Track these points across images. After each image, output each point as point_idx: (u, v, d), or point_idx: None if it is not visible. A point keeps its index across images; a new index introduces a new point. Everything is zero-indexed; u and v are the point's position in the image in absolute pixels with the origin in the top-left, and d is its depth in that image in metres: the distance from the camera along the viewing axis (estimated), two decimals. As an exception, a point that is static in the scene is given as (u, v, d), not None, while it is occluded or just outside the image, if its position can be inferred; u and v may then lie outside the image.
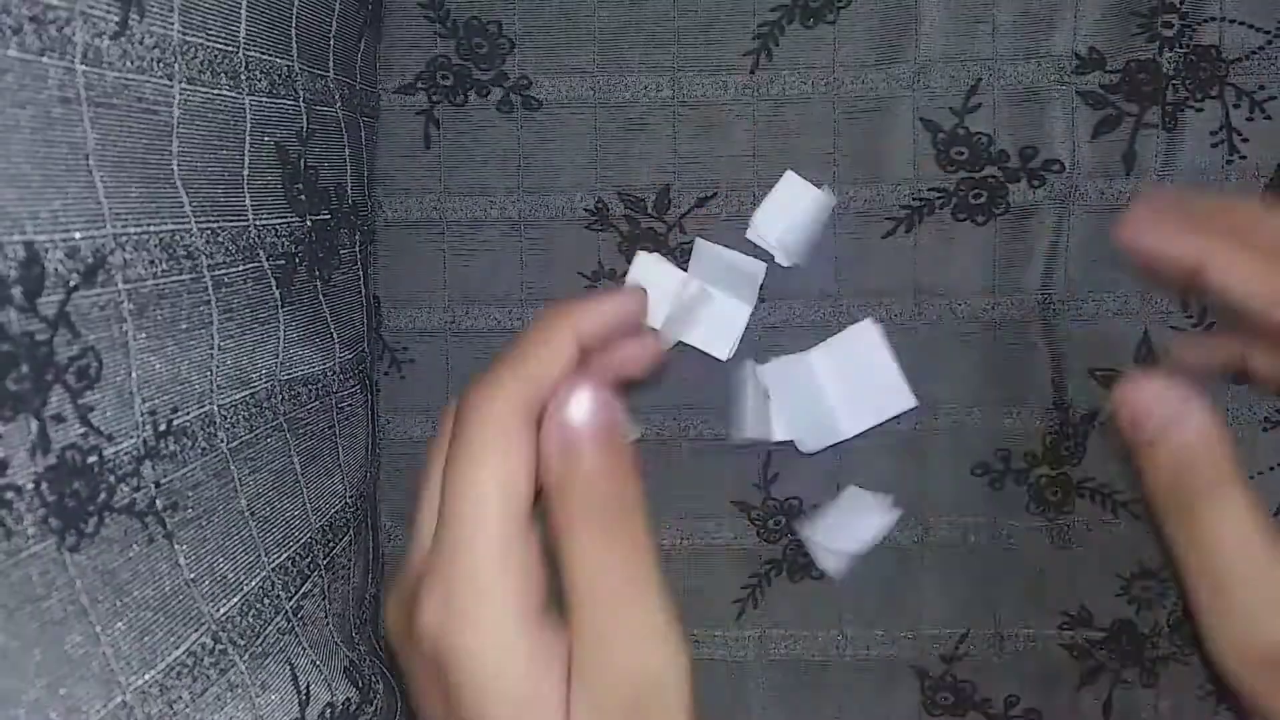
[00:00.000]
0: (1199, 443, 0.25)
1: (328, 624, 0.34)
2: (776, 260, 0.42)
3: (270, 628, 0.29)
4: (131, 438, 0.24)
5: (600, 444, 0.24)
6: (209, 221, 0.27)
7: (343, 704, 0.33)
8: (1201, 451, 0.25)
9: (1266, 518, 0.24)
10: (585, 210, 0.42)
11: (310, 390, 0.34)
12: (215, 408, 0.28)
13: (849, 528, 0.42)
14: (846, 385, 0.41)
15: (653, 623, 0.23)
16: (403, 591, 0.24)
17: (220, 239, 0.28)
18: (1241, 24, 0.40)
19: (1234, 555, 0.24)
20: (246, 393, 0.29)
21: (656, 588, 0.23)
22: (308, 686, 0.31)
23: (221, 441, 0.28)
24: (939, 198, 0.42)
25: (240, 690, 0.27)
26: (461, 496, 0.23)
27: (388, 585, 0.44)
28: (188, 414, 0.26)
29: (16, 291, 0.20)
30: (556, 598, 0.23)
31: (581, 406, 0.24)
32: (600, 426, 0.24)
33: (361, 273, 0.39)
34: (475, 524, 0.23)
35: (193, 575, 0.26)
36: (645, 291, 0.26)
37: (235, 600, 0.28)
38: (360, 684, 0.35)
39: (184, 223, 0.26)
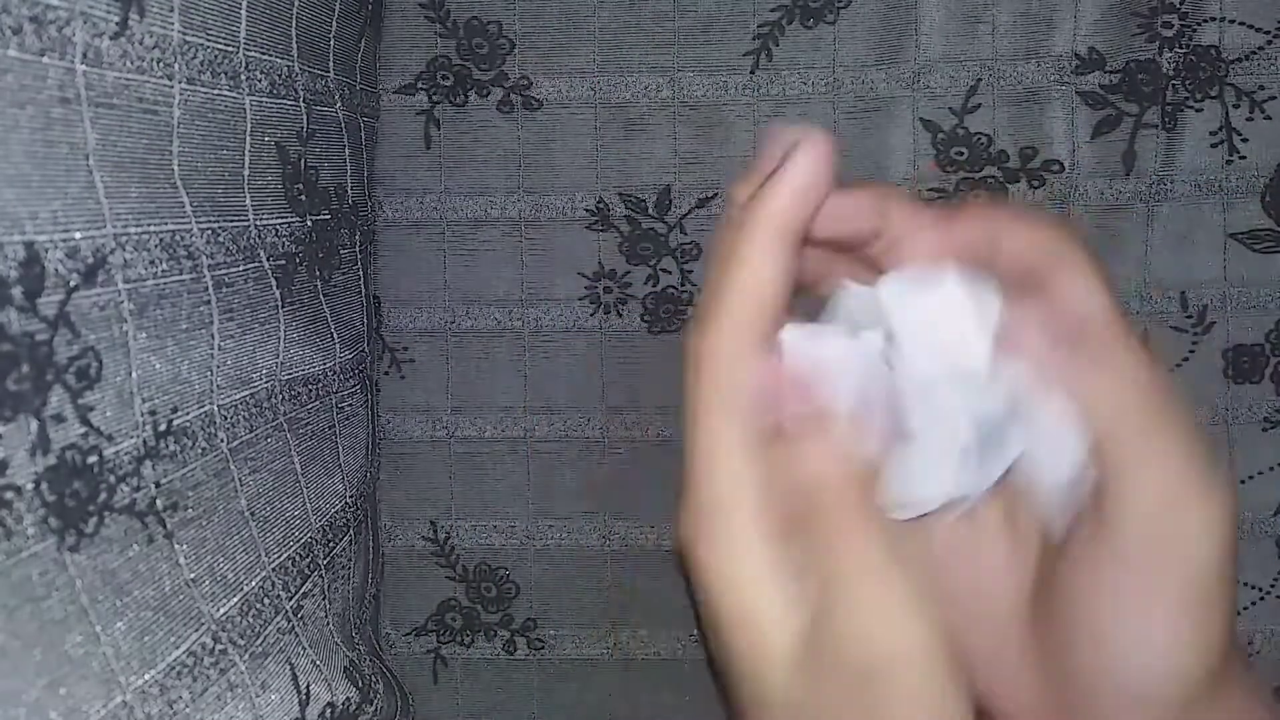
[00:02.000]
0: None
1: (328, 623, 0.34)
2: None
3: (270, 628, 0.29)
4: (132, 438, 0.24)
5: (814, 442, 0.23)
6: (209, 221, 0.27)
7: (343, 704, 0.33)
8: None
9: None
10: (586, 210, 0.42)
11: (310, 390, 0.34)
12: (215, 408, 0.28)
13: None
14: None
15: (891, 596, 0.21)
16: (681, 507, 0.24)
17: (220, 239, 0.28)
18: (1241, 24, 0.40)
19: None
20: (247, 392, 0.29)
21: (897, 558, 0.22)
22: (308, 686, 0.31)
23: (222, 441, 0.28)
24: (939, 198, 0.42)
25: (240, 690, 0.27)
26: (697, 427, 0.23)
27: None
28: (188, 414, 0.26)
29: (17, 291, 0.20)
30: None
31: (789, 405, 0.23)
32: (809, 428, 0.23)
33: (362, 273, 0.39)
34: (711, 450, 0.23)
35: (193, 575, 0.26)
36: (820, 138, 0.23)
37: (235, 600, 0.28)
38: (360, 684, 0.35)
39: (184, 223, 0.26)
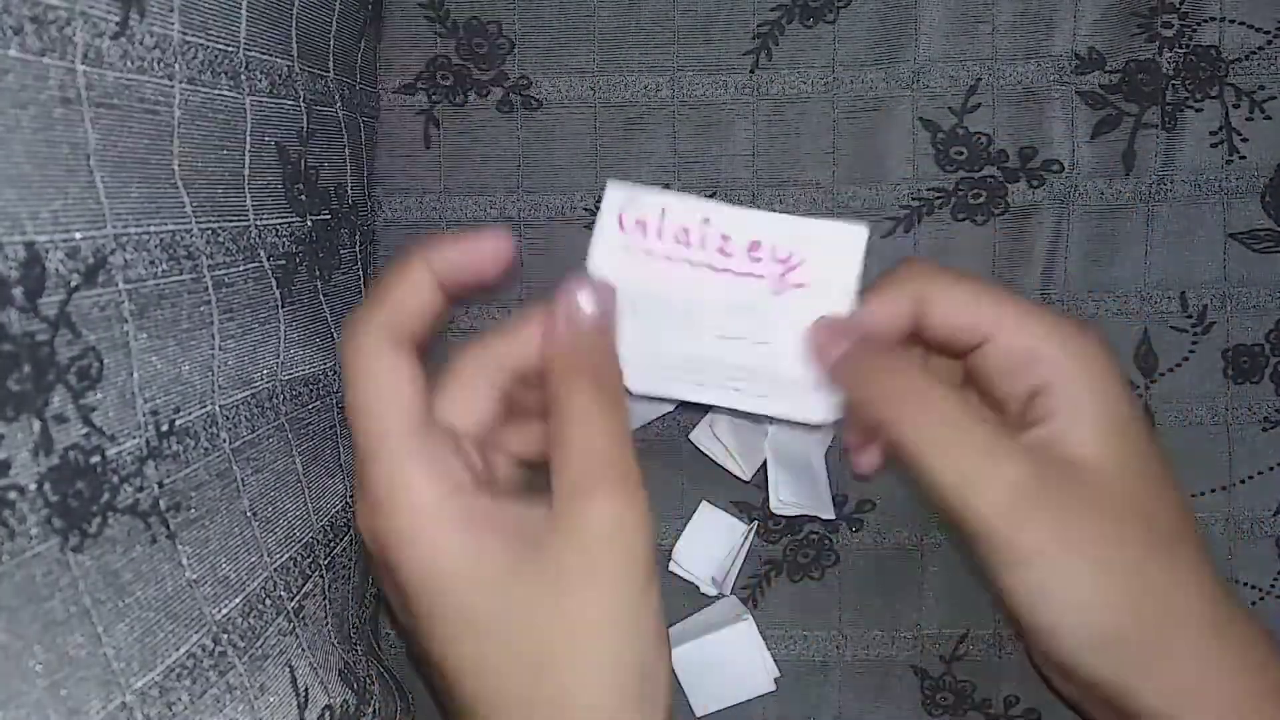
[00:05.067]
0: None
1: (327, 624, 0.34)
2: (701, 590, 0.43)
3: (271, 628, 0.29)
4: (134, 438, 0.24)
5: (599, 324, 0.29)
6: (209, 221, 0.27)
7: (340, 706, 0.33)
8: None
9: None
10: (585, 210, 0.42)
11: (311, 390, 0.34)
12: (217, 407, 0.28)
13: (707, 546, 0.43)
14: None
15: (632, 479, 0.26)
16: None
17: (221, 239, 0.28)
18: (1241, 24, 0.40)
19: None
20: (248, 392, 0.29)
21: (633, 450, 0.27)
22: (306, 688, 0.31)
23: (224, 441, 0.28)
24: (938, 198, 0.42)
25: (239, 692, 0.27)
26: (351, 412, 0.27)
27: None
28: (190, 414, 0.26)
29: (18, 292, 0.20)
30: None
31: (585, 294, 0.30)
32: (599, 313, 0.30)
33: (362, 273, 0.39)
34: (365, 434, 0.27)
35: (195, 576, 0.26)
36: (506, 236, 0.30)
37: (237, 601, 0.28)
38: (357, 686, 0.35)
39: (184, 223, 0.26)
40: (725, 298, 0.32)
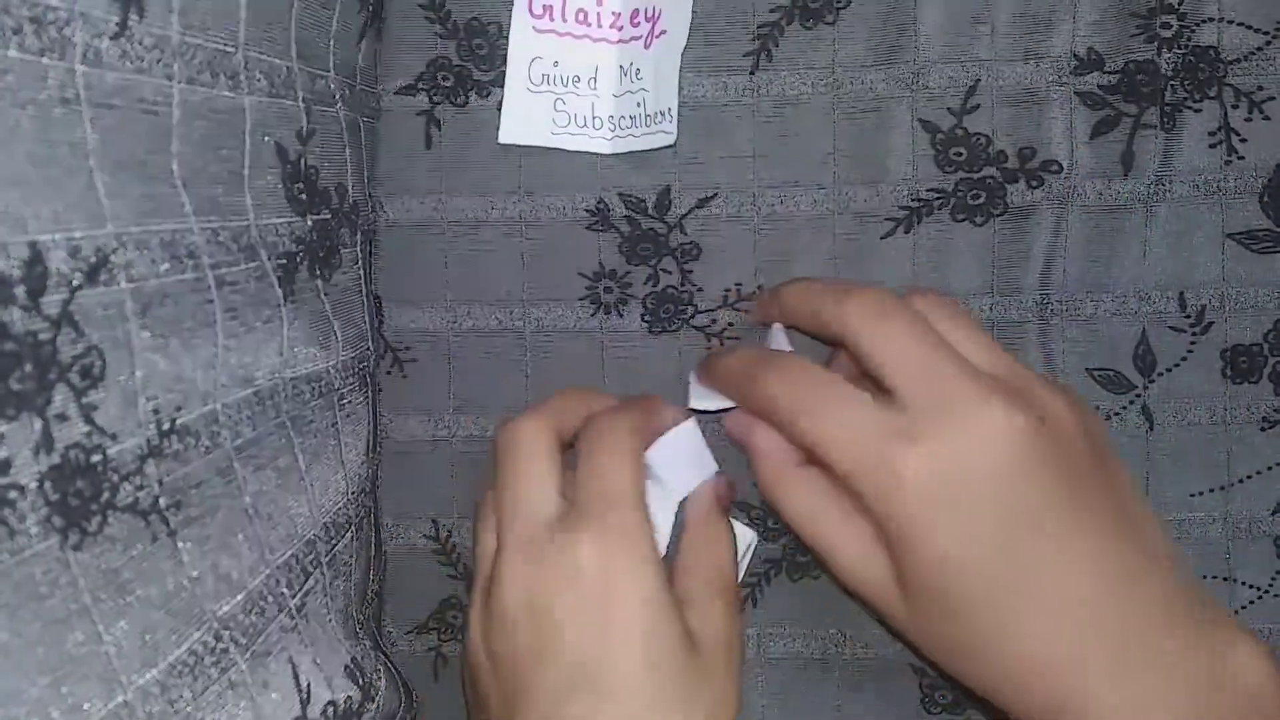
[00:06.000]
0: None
1: (330, 621, 0.34)
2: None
3: (273, 625, 0.29)
4: (135, 436, 0.24)
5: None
6: (210, 221, 0.27)
7: (344, 702, 0.33)
8: None
9: None
10: (586, 210, 0.42)
11: (313, 388, 0.34)
12: (219, 406, 0.28)
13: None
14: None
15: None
16: (525, 558, 0.34)
17: (221, 238, 0.28)
18: (1240, 25, 0.40)
19: None
20: (250, 391, 0.29)
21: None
22: (309, 685, 0.31)
23: (225, 440, 0.28)
24: (937, 198, 0.42)
25: (241, 689, 0.27)
26: (605, 469, 0.35)
27: (462, 603, 0.44)
28: (191, 412, 0.26)
29: (20, 291, 0.20)
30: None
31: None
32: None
33: (363, 272, 0.39)
34: (621, 489, 0.34)
35: (196, 573, 0.26)
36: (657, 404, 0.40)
37: (239, 598, 0.28)
38: (361, 682, 0.35)
39: (185, 222, 0.26)
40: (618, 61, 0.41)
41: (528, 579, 0.33)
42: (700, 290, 0.43)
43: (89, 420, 0.22)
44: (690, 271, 0.43)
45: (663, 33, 0.41)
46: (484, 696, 0.35)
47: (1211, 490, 0.42)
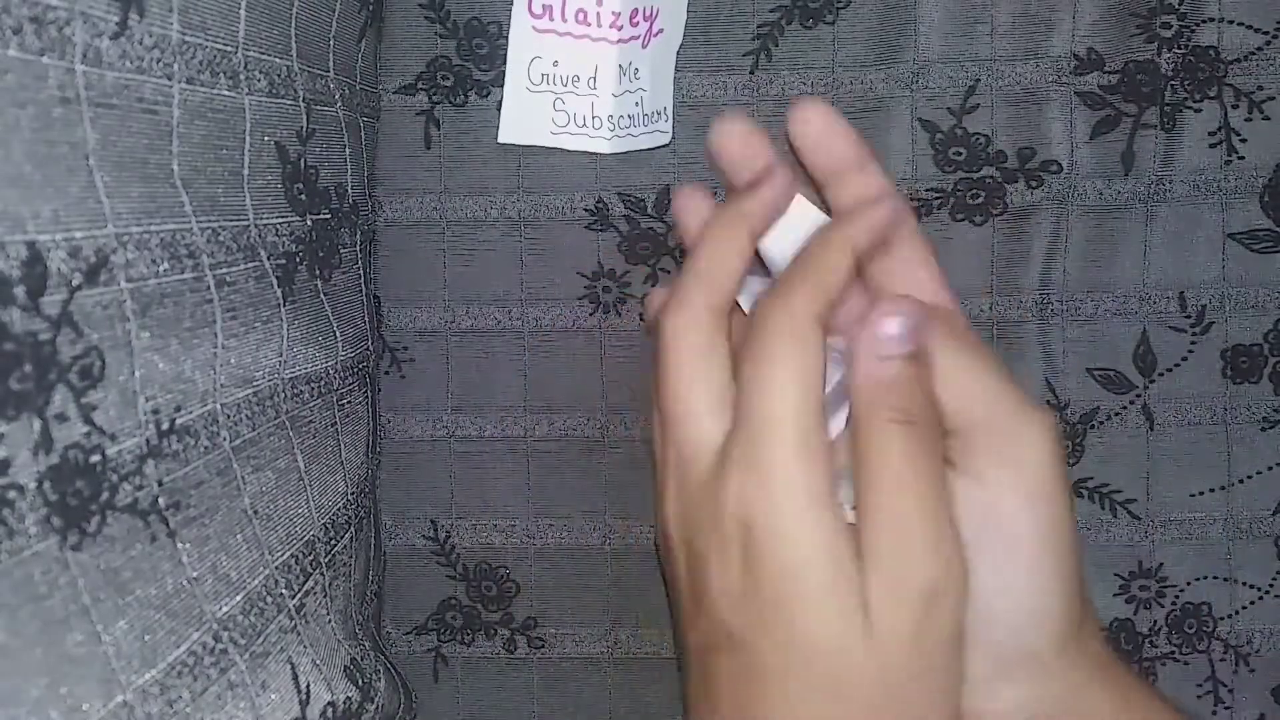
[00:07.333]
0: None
1: (329, 621, 0.34)
2: None
3: (272, 626, 0.29)
4: (134, 436, 0.24)
5: (909, 360, 0.26)
6: (209, 221, 0.27)
7: (344, 703, 0.33)
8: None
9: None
10: (585, 210, 0.42)
11: (313, 388, 0.34)
12: (218, 406, 0.28)
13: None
14: None
15: (946, 533, 0.25)
16: (684, 481, 0.28)
17: (221, 238, 0.28)
18: (1240, 24, 0.40)
19: None
20: (249, 391, 0.29)
21: (948, 514, 0.26)
22: (308, 686, 0.31)
23: (224, 440, 0.28)
24: (937, 198, 0.42)
25: (240, 689, 0.27)
26: (761, 394, 0.26)
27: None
28: (191, 412, 0.26)
29: (19, 291, 0.20)
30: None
31: (895, 322, 0.26)
32: (911, 341, 0.26)
33: (362, 272, 0.39)
34: (776, 420, 0.25)
35: (195, 574, 0.26)
36: (784, 167, 0.29)
37: (238, 599, 0.28)
38: (360, 683, 0.35)
39: (185, 222, 0.26)
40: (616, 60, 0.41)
41: (680, 510, 0.28)
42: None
43: (88, 420, 0.22)
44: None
45: (659, 32, 0.41)
46: (673, 577, 0.30)
47: (1212, 490, 0.42)
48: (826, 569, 0.25)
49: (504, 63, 0.42)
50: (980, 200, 0.42)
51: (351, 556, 0.37)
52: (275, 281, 0.31)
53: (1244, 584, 0.43)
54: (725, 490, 0.26)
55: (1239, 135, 0.41)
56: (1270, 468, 0.42)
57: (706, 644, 0.27)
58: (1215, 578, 0.43)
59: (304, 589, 0.32)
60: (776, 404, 0.26)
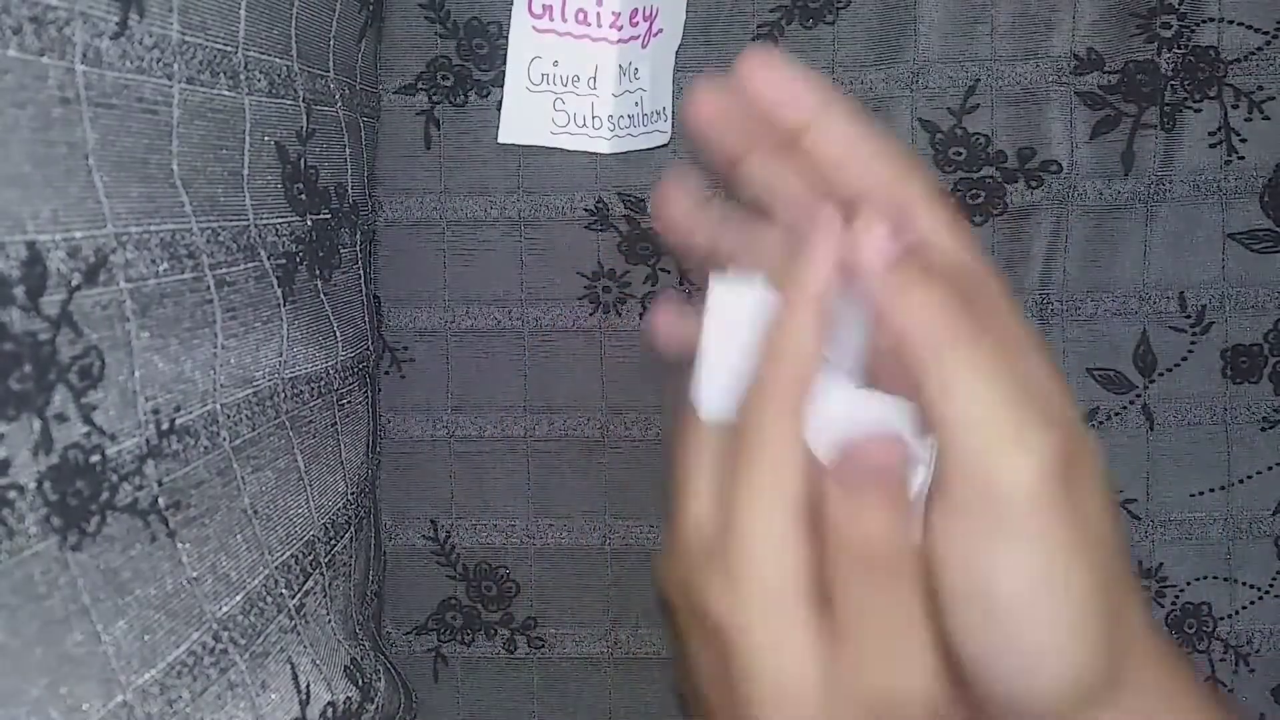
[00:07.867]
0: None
1: (329, 621, 0.34)
2: None
3: (272, 626, 0.29)
4: (134, 436, 0.24)
5: (880, 502, 0.24)
6: (209, 221, 0.27)
7: (344, 703, 0.33)
8: None
9: None
10: (585, 210, 0.42)
11: (312, 388, 0.34)
12: (218, 406, 0.28)
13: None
14: None
15: (914, 662, 0.24)
16: (683, 556, 0.26)
17: (221, 238, 0.28)
18: (1240, 25, 0.40)
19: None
20: (249, 391, 0.29)
21: (922, 627, 0.24)
22: (308, 686, 0.31)
23: (224, 440, 0.28)
24: (938, 198, 0.42)
25: (240, 689, 0.27)
26: (742, 502, 0.24)
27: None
28: (191, 412, 0.26)
29: (19, 291, 0.20)
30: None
31: (865, 459, 0.24)
32: (881, 484, 0.24)
33: (362, 272, 0.39)
34: (760, 528, 0.24)
35: (195, 574, 0.26)
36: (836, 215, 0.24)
37: (238, 599, 0.28)
38: (361, 683, 0.35)
39: (184, 222, 0.26)
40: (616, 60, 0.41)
41: (673, 584, 0.28)
42: (700, 289, 0.43)
43: (88, 420, 0.22)
44: (690, 270, 0.43)
45: (659, 31, 0.41)
46: (670, 623, 0.30)
47: (1212, 490, 0.42)
48: (788, 676, 0.25)
49: (504, 63, 0.42)
50: (980, 200, 0.42)
51: (351, 556, 0.37)
52: (275, 281, 0.31)
53: (1244, 584, 0.43)
54: (709, 583, 0.26)
55: (1239, 135, 0.41)
56: (1270, 468, 0.42)
57: (695, 695, 0.28)
58: (1215, 578, 0.43)
59: (304, 589, 0.32)
60: (746, 514, 0.25)
